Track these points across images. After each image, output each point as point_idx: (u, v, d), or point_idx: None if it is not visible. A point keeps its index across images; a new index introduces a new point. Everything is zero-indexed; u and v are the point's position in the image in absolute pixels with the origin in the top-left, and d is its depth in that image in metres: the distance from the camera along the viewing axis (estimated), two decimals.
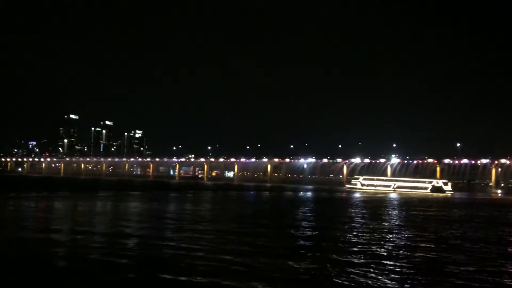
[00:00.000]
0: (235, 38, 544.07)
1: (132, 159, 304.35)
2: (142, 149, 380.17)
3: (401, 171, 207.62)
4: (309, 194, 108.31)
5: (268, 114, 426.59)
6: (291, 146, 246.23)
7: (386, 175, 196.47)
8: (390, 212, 55.78)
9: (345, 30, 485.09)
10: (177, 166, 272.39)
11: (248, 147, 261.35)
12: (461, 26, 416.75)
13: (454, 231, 36.90)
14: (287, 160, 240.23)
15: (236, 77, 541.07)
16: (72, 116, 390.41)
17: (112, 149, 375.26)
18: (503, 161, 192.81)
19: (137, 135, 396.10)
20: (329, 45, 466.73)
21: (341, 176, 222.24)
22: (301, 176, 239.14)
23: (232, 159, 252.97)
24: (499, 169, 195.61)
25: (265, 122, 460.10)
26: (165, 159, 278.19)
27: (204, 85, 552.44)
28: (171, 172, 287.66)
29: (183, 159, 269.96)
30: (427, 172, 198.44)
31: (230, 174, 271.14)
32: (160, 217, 41.87)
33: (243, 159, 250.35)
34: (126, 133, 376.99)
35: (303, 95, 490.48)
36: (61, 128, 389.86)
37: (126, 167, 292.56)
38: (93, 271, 18.83)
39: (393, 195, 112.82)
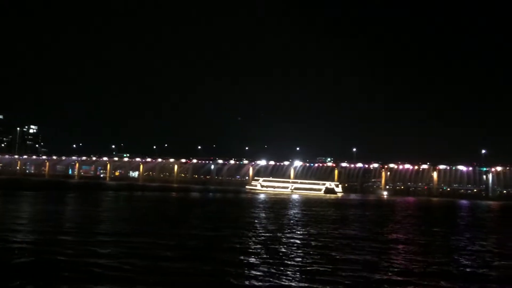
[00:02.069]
0: None
1: (25, 157, 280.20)
2: (37, 146, 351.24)
3: (303, 173, 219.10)
4: (210, 194, 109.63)
5: (174, 115, 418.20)
6: (199, 147, 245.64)
7: (289, 177, 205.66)
8: (274, 212, 58.49)
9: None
10: (77, 165, 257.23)
11: (154, 147, 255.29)
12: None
13: (329, 229, 40.05)
14: (194, 161, 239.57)
15: None
16: None
17: (2, 145, 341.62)
18: (391, 165, 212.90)
19: (31, 131, 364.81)
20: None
21: (247, 178, 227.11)
22: (207, 177, 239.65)
23: (138, 159, 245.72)
24: (388, 173, 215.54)
25: (174, 123, 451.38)
26: (63, 158, 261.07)
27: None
28: (70, 171, 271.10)
29: (84, 158, 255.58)
30: (326, 175, 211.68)
31: (135, 174, 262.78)
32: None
33: (148, 159, 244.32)
34: (18, 128, 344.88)
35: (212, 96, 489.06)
36: None
37: (19, 165, 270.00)
38: None
39: (288, 196, 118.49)
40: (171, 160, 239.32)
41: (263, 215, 52.82)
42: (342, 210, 69.56)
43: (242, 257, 22.96)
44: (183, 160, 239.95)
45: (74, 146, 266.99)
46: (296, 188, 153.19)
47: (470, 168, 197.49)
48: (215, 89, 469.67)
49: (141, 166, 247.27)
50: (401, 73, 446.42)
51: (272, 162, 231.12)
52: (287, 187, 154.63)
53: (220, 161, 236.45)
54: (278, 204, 76.39)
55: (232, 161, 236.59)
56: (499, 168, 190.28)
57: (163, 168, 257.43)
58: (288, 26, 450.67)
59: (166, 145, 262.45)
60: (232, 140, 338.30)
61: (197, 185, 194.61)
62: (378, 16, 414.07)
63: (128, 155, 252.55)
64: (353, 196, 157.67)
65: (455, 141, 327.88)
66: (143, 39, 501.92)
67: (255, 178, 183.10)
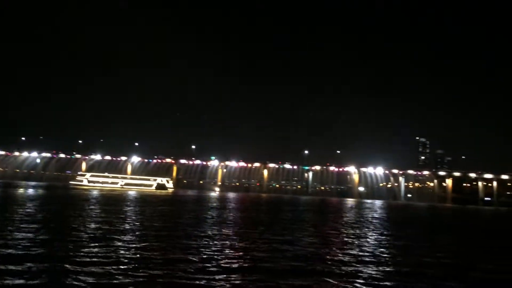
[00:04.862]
0: None
1: None
2: None
3: (141, 169, 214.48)
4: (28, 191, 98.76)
5: None
6: (23, 138, 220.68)
7: (126, 173, 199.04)
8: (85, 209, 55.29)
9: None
10: None
11: None
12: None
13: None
14: (17, 153, 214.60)
15: None
16: None
17: None
18: (228, 163, 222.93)
19: None
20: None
21: (79, 173, 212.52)
22: (32, 172, 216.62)
23: None
24: (225, 170, 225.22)
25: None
26: None
27: None
28: None
29: None
30: (164, 171, 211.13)
31: None
32: None
33: None
34: None
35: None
36: None
37: None
38: None
39: (115, 192, 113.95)
40: None
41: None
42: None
43: None
44: (2, 153, 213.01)
45: None
46: (126, 184, 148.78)
47: (295, 167, 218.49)
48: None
49: None
50: (228, 80, 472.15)
51: (108, 157, 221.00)
52: (116, 183, 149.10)
53: (48, 155, 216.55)
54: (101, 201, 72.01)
55: (62, 155, 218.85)
56: (317, 167, 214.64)
57: None
58: None
59: None
60: (64, 131, 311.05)
61: (19, 181, 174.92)
62: None
63: None
64: (189, 192, 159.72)
65: (283, 143, 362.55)
66: None
67: (80, 173, 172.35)
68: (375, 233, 40.77)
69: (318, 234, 36.45)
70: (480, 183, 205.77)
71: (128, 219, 41.70)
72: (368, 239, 35.19)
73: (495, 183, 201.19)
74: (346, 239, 34.75)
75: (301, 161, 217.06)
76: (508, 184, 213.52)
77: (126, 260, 20.79)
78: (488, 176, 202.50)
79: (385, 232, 42.11)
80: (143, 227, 35.69)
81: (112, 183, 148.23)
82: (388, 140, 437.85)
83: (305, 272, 20.33)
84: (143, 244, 25.87)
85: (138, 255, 22.35)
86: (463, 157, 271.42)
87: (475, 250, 34.06)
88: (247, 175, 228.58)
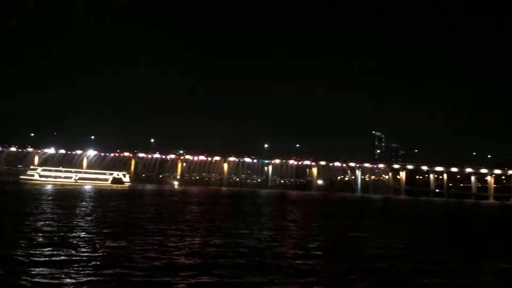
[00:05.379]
0: None
1: None
2: None
3: (97, 163, 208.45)
4: None
5: None
6: None
7: (82, 167, 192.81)
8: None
9: None
10: None
11: None
12: None
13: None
14: None
15: None
16: None
17: None
18: (188, 156, 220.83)
19: None
20: None
21: (31, 167, 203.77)
22: None
23: None
24: (184, 164, 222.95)
25: None
26: None
27: None
28: None
29: None
30: (122, 165, 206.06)
31: None
32: None
33: None
34: None
35: None
36: None
37: None
38: None
39: (68, 187, 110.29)
40: None
41: None
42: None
43: None
44: None
45: None
46: (80, 178, 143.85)
47: (255, 161, 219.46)
48: None
49: None
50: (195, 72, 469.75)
51: (62, 151, 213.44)
52: (70, 177, 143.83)
53: None
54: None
55: (13, 148, 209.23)
56: (277, 161, 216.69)
57: None
58: None
59: None
60: (16, 123, 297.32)
61: None
62: None
63: None
64: (148, 186, 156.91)
65: (245, 136, 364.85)
66: None
67: (32, 167, 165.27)
68: (329, 225, 41.77)
69: (275, 228, 36.89)
70: (431, 176, 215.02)
71: (79, 215, 40.51)
72: (321, 232, 35.98)
73: (445, 176, 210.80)
74: (301, 232, 35.37)
75: (261, 155, 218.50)
76: (458, 176, 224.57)
77: (75, 259, 20.24)
78: (439, 168, 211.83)
79: (342, 224, 43.26)
80: (95, 223, 34.80)
81: (65, 177, 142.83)
82: (346, 134, 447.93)
83: (259, 266, 20.53)
84: (95, 241, 25.26)
85: (87, 253, 21.80)
86: (415, 150, 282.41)
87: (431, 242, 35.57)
88: (207, 169, 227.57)
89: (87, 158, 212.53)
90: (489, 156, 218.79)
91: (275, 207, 72.56)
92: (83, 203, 57.05)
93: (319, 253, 25.47)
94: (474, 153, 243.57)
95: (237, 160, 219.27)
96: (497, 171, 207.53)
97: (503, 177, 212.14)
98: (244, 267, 20.32)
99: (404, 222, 56.58)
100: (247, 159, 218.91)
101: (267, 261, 22.05)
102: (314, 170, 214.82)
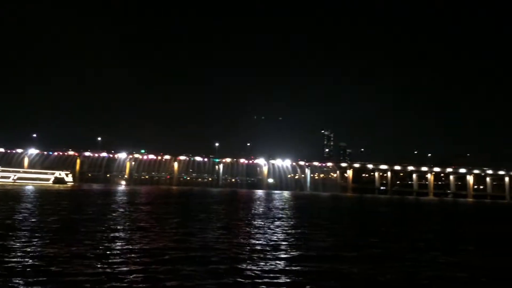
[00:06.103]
0: None
1: None
2: None
3: (39, 163, 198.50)
4: None
5: None
6: None
7: (23, 167, 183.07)
8: None
9: None
10: None
11: None
12: None
13: None
14: None
15: None
16: None
17: None
18: (136, 155, 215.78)
19: None
20: None
21: None
22: None
23: None
24: (133, 163, 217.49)
25: None
26: None
27: None
28: None
29: None
30: (67, 164, 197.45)
31: None
32: None
33: None
34: None
35: None
36: None
37: None
38: None
39: (4, 188, 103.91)
40: None
41: None
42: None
43: None
44: None
45: None
46: (20, 178, 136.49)
47: (206, 159, 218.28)
48: None
49: None
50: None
51: (1, 150, 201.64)
52: (8, 177, 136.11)
53: None
54: None
55: None
56: (228, 160, 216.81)
57: None
58: None
59: None
60: None
61: None
62: None
63: None
64: (94, 186, 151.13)
65: (195, 136, 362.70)
66: None
67: None
68: (280, 222, 42.47)
69: (224, 226, 37.02)
70: (376, 174, 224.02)
71: (14, 216, 38.54)
72: (271, 229, 36.55)
73: (389, 174, 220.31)
74: (250, 229, 35.76)
75: (212, 153, 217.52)
76: (401, 174, 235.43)
77: (15, 259, 19.34)
78: (383, 167, 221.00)
79: (291, 222, 44.10)
80: (31, 223, 33.26)
81: (3, 177, 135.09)
82: (295, 133, 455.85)
83: (206, 263, 20.60)
84: (32, 242, 24.21)
85: (29, 255, 20.89)
86: (361, 149, 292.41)
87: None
88: (157, 168, 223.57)
89: (29, 157, 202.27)
90: (429, 154, 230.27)
91: (225, 204, 72.59)
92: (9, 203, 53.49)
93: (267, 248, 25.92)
94: (416, 152, 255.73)
95: (187, 158, 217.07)
96: (437, 169, 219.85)
97: (442, 174, 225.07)
98: (191, 262, 20.36)
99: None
100: (198, 158, 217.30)
101: (214, 257, 22.13)
102: (265, 169, 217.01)
